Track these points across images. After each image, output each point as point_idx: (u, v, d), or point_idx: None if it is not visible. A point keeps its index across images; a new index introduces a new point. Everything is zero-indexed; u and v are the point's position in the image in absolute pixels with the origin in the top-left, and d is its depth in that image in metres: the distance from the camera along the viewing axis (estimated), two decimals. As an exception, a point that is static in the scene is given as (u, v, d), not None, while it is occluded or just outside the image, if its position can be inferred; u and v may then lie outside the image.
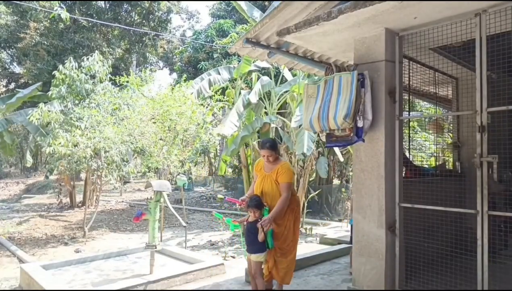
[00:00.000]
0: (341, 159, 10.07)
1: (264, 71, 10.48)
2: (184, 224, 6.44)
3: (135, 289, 4.42)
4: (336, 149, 9.46)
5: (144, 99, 9.12)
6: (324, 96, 3.69)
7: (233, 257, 6.54)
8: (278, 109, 9.55)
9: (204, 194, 17.69)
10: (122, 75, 10.36)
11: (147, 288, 4.51)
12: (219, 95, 9.83)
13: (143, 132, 8.58)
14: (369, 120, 3.62)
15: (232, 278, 5.06)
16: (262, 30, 4.36)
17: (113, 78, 10.17)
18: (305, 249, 6.86)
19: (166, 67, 29.91)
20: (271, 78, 9.30)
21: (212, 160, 22.38)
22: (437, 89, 5.47)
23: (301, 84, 8.67)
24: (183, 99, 8.81)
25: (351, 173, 12.07)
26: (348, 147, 8.56)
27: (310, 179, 10.54)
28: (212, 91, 9.56)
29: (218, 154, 12.36)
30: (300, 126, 7.89)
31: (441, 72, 5.18)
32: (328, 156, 10.96)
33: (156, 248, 5.06)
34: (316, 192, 10.18)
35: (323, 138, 3.89)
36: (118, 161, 8.24)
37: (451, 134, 6.24)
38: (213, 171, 21.32)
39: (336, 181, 13.21)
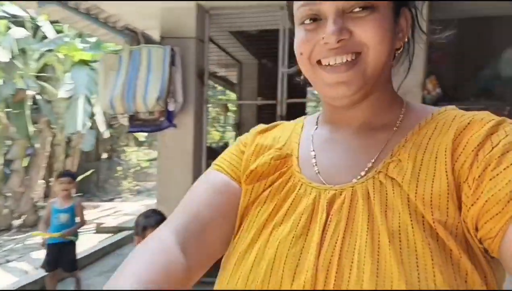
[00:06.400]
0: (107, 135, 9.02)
1: (15, 20, 8.09)
2: None
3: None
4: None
5: None
6: (129, 70, 3.03)
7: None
8: (38, 73, 7.61)
9: None
10: None
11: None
12: None
13: None
14: (179, 103, 3.24)
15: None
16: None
17: None
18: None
19: None
20: (28, 32, 7.27)
21: None
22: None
23: (70, 46, 7.22)
24: None
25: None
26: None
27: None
28: None
29: None
30: (70, 97, 6.59)
31: (231, 56, 5.30)
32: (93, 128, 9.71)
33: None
34: (89, 172, 8.92)
35: (123, 121, 3.25)
36: None
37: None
38: None
39: (104, 156, 12.15)
